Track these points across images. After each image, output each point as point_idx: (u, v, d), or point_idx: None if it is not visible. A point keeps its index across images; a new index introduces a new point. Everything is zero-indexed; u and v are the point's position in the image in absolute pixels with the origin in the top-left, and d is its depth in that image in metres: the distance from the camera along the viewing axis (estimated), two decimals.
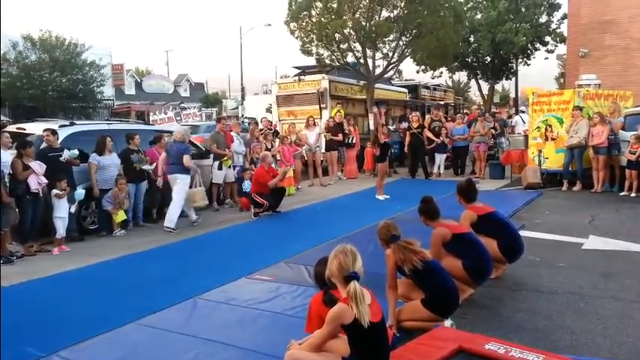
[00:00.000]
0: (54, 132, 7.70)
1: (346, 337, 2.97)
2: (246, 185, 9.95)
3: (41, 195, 7.12)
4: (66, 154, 7.54)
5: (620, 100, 11.56)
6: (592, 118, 10.58)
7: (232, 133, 10.76)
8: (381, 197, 10.34)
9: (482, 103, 32.48)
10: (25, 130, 8.52)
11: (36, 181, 7.02)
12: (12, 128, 9.03)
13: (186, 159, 8.28)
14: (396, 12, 16.24)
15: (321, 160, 13.44)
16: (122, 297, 5.15)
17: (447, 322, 3.96)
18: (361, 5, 15.84)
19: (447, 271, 4.20)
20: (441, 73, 30.26)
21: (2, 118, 16.33)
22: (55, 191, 7.19)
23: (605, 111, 10.88)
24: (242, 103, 38.30)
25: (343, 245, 3.06)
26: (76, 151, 7.67)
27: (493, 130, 14.09)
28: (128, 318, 4.48)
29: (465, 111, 21.76)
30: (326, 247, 6.43)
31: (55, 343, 4.01)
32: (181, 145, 8.45)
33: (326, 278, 3.14)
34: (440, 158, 13.83)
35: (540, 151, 11.34)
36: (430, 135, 13.50)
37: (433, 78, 28.37)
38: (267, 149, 11.18)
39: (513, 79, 30.95)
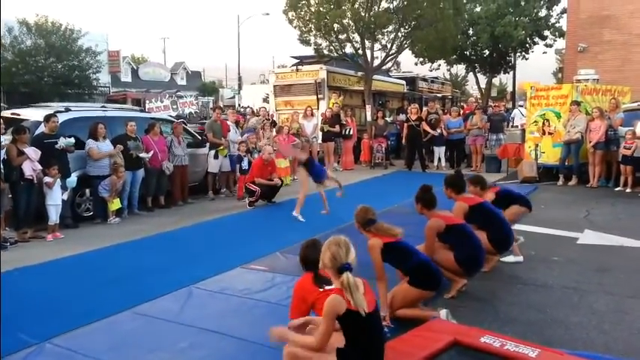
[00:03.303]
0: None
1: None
2: (245, 163, 9.88)
3: (35, 181, 7.07)
4: (62, 142, 7.48)
5: (618, 95, 11.56)
6: (591, 112, 10.57)
7: (228, 122, 10.70)
8: None
9: (479, 96, 32.38)
10: (19, 115, 8.44)
11: (30, 167, 6.97)
12: (7, 114, 8.94)
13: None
14: (395, 3, 16.13)
15: (318, 151, 13.40)
16: (117, 285, 5.13)
17: (443, 312, 3.95)
18: None
19: (417, 249, 4.30)
20: (439, 65, 30.15)
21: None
22: (46, 179, 7.13)
23: (606, 106, 10.87)
24: (239, 93, 38.07)
25: (336, 237, 3.05)
26: (72, 140, 7.62)
27: None
28: (123, 306, 4.46)
29: (460, 104, 21.69)
30: (321, 237, 6.37)
31: (48, 331, 3.98)
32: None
33: (319, 269, 3.14)
34: (439, 151, 13.79)
35: (537, 146, 11.35)
36: (427, 128, 13.48)
37: (431, 70, 28.30)
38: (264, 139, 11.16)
39: (511, 73, 30.87)
